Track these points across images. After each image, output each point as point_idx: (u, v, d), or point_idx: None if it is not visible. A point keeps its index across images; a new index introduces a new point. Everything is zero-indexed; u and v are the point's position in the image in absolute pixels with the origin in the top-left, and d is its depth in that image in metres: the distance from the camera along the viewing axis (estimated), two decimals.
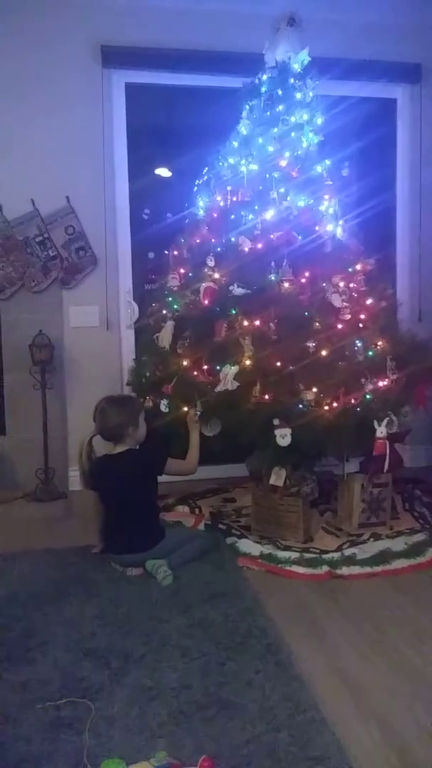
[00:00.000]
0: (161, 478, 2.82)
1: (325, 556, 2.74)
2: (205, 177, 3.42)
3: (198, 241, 3.33)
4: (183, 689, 1.81)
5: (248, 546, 2.87)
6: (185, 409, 2.94)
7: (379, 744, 1.60)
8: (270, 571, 2.67)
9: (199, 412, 2.91)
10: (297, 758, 1.52)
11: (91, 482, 2.77)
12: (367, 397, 2.81)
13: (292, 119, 3.20)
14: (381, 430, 2.77)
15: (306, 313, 2.90)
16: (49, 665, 1.95)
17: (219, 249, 3.17)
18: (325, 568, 2.64)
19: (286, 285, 2.93)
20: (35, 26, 3.74)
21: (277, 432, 2.70)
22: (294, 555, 2.74)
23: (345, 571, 2.64)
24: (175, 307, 3.22)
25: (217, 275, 3.09)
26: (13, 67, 3.75)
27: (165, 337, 3.18)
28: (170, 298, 3.27)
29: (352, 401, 2.77)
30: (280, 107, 3.20)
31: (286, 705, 1.72)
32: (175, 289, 3.30)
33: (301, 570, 2.65)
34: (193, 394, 2.92)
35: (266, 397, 2.78)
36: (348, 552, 2.76)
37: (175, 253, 3.44)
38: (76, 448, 2.85)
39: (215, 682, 1.84)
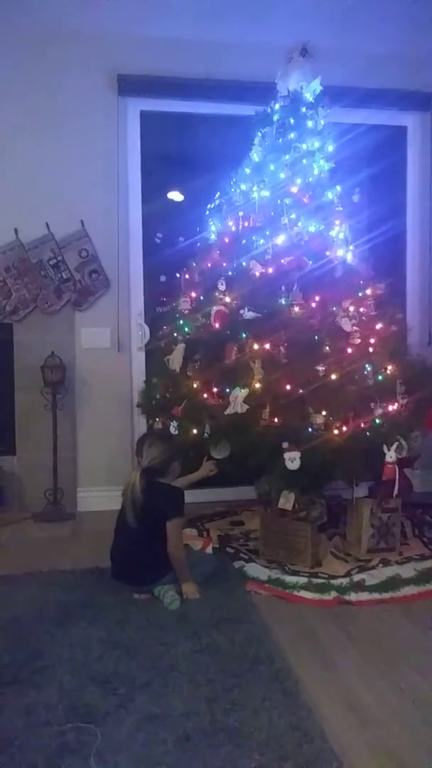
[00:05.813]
0: None
1: (333, 581, 2.71)
2: (217, 202, 3.46)
3: (209, 265, 3.37)
4: (189, 715, 1.79)
5: (256, 570, 2.85)
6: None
7: None
8: (278, 596, 2.66)
9: (207, 434, 2.91)
10: None
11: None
12: (377, 421, 2.81)
13: (304, 146, 3.25)
14: (390, 455, 2.76)
15: (316, 337, 2.91)
16: (55, 689, 1.93)
17: (230, 273, 3.20)
18: (334, 594, 2.62)
19: (297, 309, 2.96)
20: (53, 55, 3.84)
21: (286, 455, 2.70)
22: (302, 580, 2.73)
23: (353, 597, 2.62)
24: (186, 330, 3.25)
25: (228, 299, 3.12)
26: (31, 95, 3.84)
27: (176, 360, 3.21)
28: (181, 321, 3.30)
29: (362, 425, 2.77)
30: (292, 135, 3.26)
31: (293, 733, 1.70)
32: (186, 312, 3.33)
33: (308, 595, 2.63)
34: (202, 416, 2.93)
35: (276, 420, 2.78)
36: (357, 578, 2.74)
37: (187, 276, 3.47)
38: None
39: (222, 708, 1.82)
